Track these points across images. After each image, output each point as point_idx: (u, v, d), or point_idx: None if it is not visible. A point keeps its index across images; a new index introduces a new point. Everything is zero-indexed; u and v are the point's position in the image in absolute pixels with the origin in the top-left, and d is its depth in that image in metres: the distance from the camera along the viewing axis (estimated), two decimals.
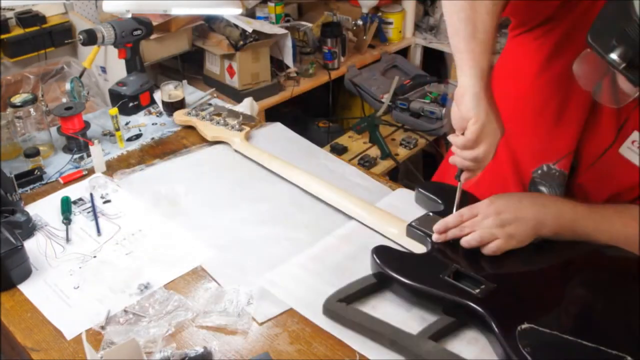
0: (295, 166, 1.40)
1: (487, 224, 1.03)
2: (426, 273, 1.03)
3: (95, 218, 1.28)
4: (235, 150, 1.51)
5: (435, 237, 1.08)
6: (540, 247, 1.06)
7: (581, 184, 1.13)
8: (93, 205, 1.31)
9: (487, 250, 1.03)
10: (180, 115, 1.64)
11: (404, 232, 1.15)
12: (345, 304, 1.01)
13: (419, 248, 1.13)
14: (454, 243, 1.07)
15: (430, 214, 1.16)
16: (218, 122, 1.58)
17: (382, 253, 1.07)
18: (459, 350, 0.94)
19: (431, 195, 1.23)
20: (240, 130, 1.55)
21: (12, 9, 2.17)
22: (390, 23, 2.89)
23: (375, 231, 1.21)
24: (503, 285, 0.99)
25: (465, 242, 1.04)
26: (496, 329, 0.91)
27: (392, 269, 1.03)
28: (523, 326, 0.90)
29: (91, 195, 1.35)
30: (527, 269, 1.03)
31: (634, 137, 1.03)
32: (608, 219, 1.03)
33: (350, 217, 1.25)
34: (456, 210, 1.09)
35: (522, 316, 0.92)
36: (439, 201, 1.20)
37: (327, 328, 0.99)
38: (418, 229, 1.13)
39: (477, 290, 0.97)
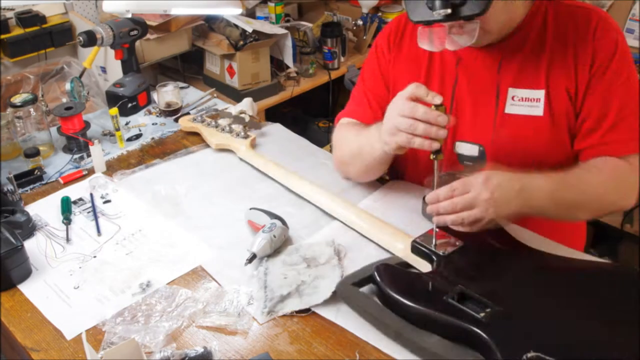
0: (301, 177, 1.36)
1: (480, 203, 1.00)
2: (430, 294, 0.97)
3: (96, 218, 1.28)
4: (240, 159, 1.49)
5: (427, 208, 1.05)
6: (549, 268, 1.04)
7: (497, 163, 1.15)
8: (93, 205, 1.31)
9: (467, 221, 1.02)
10: (185, 122, 1.63)
11: (409, 248, 1.11)
12: (358, 287, 1.01)
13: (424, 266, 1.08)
14: (459, 261, 1.03)
15: (436, 229, 1.08)
16: (223, 129, 1.56)
17: (385, 273, 1.02)
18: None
19: None
20: (246, 137, 1.53)
21: (12, 9, 2.17)
22: None
23: (381, 247, 1.17)
24: (509, 308, 0.92)
25: (458, 218, 1.01)
26: (500, 357, 0.85)
27: (395, 290, 0.98)
28: (529, 355, 0.83)
29: (91, 195, 1.35)
30: (536, 290, 0.97)
31: (512, 94, 1.16)
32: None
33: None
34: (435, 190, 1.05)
35: (528, 343, 0.85)
36: None
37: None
38: (423, 245, 1.08)
39: (482, 314, 0.91)
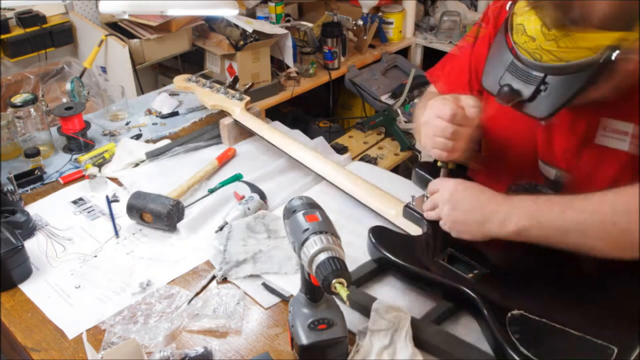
0: (295, 139, 1.39)
1: (446, 221, 1.02)
2: (421, 256, 1.04)
3: (113, 220, 1.27)
4: (235, 121, 1.49)
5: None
6: None
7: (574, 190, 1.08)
8: (110, 207, 1.29)
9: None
10: (180, 81, 1.62)
11: (401, 213, 1.15)
12: (355, 287, 1.02)
13: (414, 230, 1.13)
14: None
15: (427, 195, 1.10)
16: (218, 90, 1.54)
17: (379, 234, 1.07)
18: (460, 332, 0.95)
19: (427, 175, 1.23)
20: (241, 99, 1.52)
21: (12, 9, 2.17)
22: (391, 23, 2.89)
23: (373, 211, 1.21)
24: (496, 270, 0.99)
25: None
26: (487, 314, 0.91)
27: (388, 250, 1.04)
28: (514, 312, 0.90)
29: (107, 197, 1.33)
30: (521, 254, 1.01)
31: (605, 125, 1.02)
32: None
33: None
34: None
35: (513, 302, 0.91)
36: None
37: None
38: (414, 210, 1.14)
39: (470, 275, 0.98)
